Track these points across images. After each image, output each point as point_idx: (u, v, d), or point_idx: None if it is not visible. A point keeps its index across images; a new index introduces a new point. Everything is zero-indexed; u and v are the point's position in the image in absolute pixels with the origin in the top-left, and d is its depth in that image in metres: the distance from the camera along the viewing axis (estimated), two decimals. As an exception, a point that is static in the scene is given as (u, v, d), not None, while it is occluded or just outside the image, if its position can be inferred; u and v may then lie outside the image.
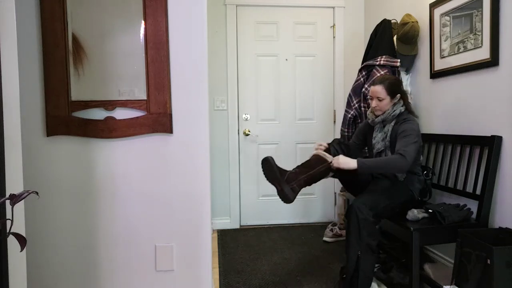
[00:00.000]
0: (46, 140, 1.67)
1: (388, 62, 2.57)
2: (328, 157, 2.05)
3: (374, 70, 2.60)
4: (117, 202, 1.72)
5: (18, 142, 1.15)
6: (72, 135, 1.66)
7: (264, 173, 1.94)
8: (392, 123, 2.11)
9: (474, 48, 2.09)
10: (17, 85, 1.14)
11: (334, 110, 3.54)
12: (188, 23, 1.70)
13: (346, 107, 2.80)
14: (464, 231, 1.75)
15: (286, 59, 3.47)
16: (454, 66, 2.25)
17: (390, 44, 2.66)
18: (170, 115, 1.70)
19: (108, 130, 1.67)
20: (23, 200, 0.86)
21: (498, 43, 1.92)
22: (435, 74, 2.44)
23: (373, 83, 2.15)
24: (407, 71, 2.75)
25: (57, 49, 1.62)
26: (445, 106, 2.36)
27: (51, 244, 1.69)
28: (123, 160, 1.71)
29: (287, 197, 1.87)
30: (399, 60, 2.58)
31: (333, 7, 3.47)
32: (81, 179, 1.70)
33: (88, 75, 1.66)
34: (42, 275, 1.69)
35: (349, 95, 2.79)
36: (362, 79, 2.72)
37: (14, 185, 1.12)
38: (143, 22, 1.67)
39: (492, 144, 1.92)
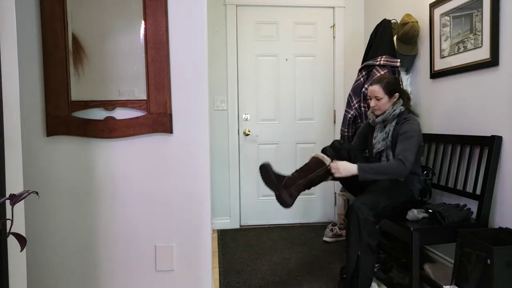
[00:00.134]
0: (46, 140, 1.67)
1: (388, 62, 2.57)
2: (327, 160, 2.05)
3: (374, 70, 2.60)
4: (117, 202, 1.72)
5: (18, 142, 1.15)
6: (72, 135, 1.66)
7: (262, 179, 1.95)
8: (393, 123, 2.11)
9: (474, 48, 2.09)
10: (17, 85, 1.14)
11: (334, 110, 3.54)
12: (188, 23, 1.70)
13: (346, 107, 2.80)
14: (464, 231, 1.75)
15: (286, 59, 3.47)
16: (454, 66, 2.25)
17: (390, 44, 2.66)
18: (170, 115, 1.70)
19: (108, 130, 1.67)
20: (23, 200, 0.86)
21: (498, 43, 1.92)
22: (435, 74, 2.44)
23: (371, 83, 2.16)
24: (407, 71, 2.75)
25: (57, 49, 1.62)
26: (445, 106, 2.36)
27: (51, 244, 1.69)
28: (123, 160, 1.71)
29: (285, 203, 1.89)
30: (399, 60, 2.58)
31: (333, 7, 3.47)
32: (81, 179, 1.70)
33: (88, 75, 1.66)
34: (42, 275, 1.69)
35: (349, 95, 2.79)
36: (362, 79, 2.72)
37: (14, 185, 1.12)
38: (143, 22, 1.67)
39: (492, 144, 1.92)
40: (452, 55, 2.28)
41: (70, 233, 1.70)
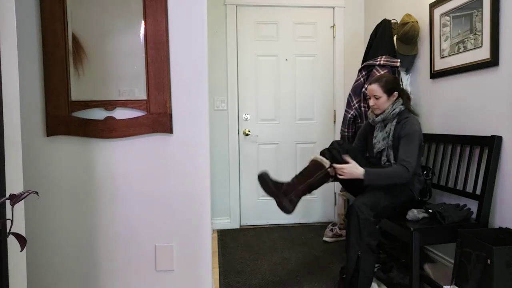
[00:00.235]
0: (46, 140, 1.67)
1: (388, 62, 2.57)
2: (326, 162, 2.05)
3: (374, 70, 2.60)
4: (117, 202, 1.72)
5: (18, 142, 1.15)
6: (72, 135, 1.66)
7: (261, 188, 1.98)
8: (394, 122, 2.11)
9: (474, 48, 2.09)
10: (17, 85, 1.14)
11: (334, 110, 3.54)
12: (188, 23, 1.70)
13: (346, 107, 2.80)
14: (464, 231, 1.75)
15: (286, 59, 3.47)
16: (454, 66, 2.25)
17: (390, 44, 2.66)
18: (170, 115, 1.70)
19: (108, 130, 1.67)
20: (23, 200, 0.86)
21: (498, 43, 1.92)
22: (435, 74, 2.44)
23: (370, 82, 2.18)
24: (407, 71, 2.75)
25: (57, 49, 1.62)
26: (445, 106, 2.36)
27: (51, 244, 1.69)
28: (123, 160, 1.71)
29: (285, 209, 1.92)
30: (399, 60, 2.58)
31: (333, 7, 3.47)
32: (81, 179, 1.70)
33: (88, 75, 1.66)
34: (42, 275, 1.69)
35: (349, 95, 2.79)
36: (362, 79, 2.72)
37: (14, 185, 1.12)
38: (143, 22, 1.67)
39: (492, 144, 1.92)
40: (452, 55, 2.28)
41: (70, 233, 1.70)
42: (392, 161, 2.11)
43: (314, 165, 2.07)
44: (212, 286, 1.84)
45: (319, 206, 3.56)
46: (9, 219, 0.86)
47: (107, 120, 1.67)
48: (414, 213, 1.97)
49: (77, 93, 1.66)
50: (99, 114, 1.68)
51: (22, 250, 0.80)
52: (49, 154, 1.67)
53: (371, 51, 2.73)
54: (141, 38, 1.67)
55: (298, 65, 3.48)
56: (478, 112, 2.07)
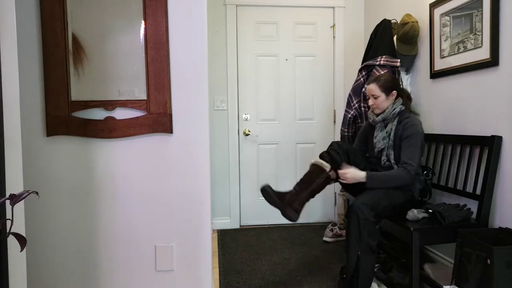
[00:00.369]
0: (46, 140, 1.67)
1: (388, 62, 2.57)
2: (326, 166, 2.06)
3: (374, 70, 2.60)
4: (117, 202, 1.72)
5: (18, 142, 1.15)
6: (72, 135, 1.66)
7: (265, 200, 2.01)
8: (395, 122, 2.12)
9: (474, 48, 2.09)
10: (17, 85, 1.14)
11: (334, 110, 3.54)
12: (188, 23, 1.70)
13: (346, 107, 2.80)
14: (464, 231, 1.75)
15: (286, 59, 3.47)
16: (454, 66, 2.25)
17: (390, 44, 2.66)
18: (170, 115, 1.70)
19: (108, 130, 1.67)
20: (23, 200, 0.86)
21: (498, 43, 1.92)
22: (435, 74, 2.44)
23: (368, 82, 2.19)
24: (407, 71, 2.75)
25: (57, 49, 1.62)
26: (445, 106, 2.36)
27: (51, 244, 1.69)
28: (123, 160, 1.71)
29: (290, 219, 1.97)
30: (399, 60, 2.58)
31: (333, 7, 3.47)
32: (81, 179, 1.70)
33: (88, 75, 1.66)
34: (42, 275, 1.69)
35: (349, 95, 2.79)
36: (362, 79, 2.72)
37: (14, 185, 1.12)
38: (143, 22, 1.67)
39: (492, 144, 1.92)
40: (452, 55, 2.28)
41: (70, 233, 1.70)
42: (392, 161, 2.11)
43: (315, 170, 2.08)
44: (212, 286, 1.84)
45: (319, 206, 3.56)
46: (9, 219, 0.86)
47: (107, 120, 1.67)
48: (414, 213, 1.97)
49: (77, 93, 1.66)
50: (99, 114, 1.68)
51: (22, 250, 0.80)
52: (49, 154, 1.67)
53: (371, 51, 2.73)
54: (141, 38, 1.67)
55: (298, 65, 3.48)
56: (478, 112, 2.07)
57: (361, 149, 2.35)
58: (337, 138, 3.41)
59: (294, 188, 2.05)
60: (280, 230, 3.33)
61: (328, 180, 2.09)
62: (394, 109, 2.11)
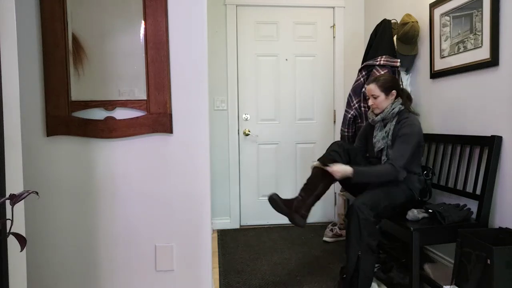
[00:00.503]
0: (46, 140, 1.67)
1: (388, 62, 2.57)
2: (328, 168, 2.08)
3: (374, 70, 2.60)
4: (117, 202, 1.72)
5: (18, 142, 1.15)
6: (72, 135, 1.66)
7: (273, 209, 2.02)
8: (394, 122, 2.12)
9: (474, 48, 2.09)
10: (17, 85, 1.14)
11: (334, 110, 3.54)
12: (188, 23, 1.70)
13: (346, 107, 2.80)
14: (464, 231, 1.75)
15: (286, 59, 3.47)
16: (454, 66, 2.25)
17: (390, 44, 2.66)
18: (170, 115, 1.70)
19: (108, 130, 1.67)
20: (23, 200, 0.86)
21: (498, 43, 1.92)
22: (435, 74, 2.44)
23: (368, 82, 2.20)
24: (407, 71, 2.75)
25: (57, 49, 1.62)
26: (445, 106, 2.36)
27: (51, 244, 1.69)
28: (123, 160, 1.71)
29: (298, 225, 1.99)
30: (399, 60, 2.58)
31: (333, 7, 3.47)
32: (81, 179, 1.70)
33: (88, 75, 1.66)
34: (42, 275, 1.69)
35: (349, 95, 2.79)
36: (362, 79, 2.72)
37: (14, 185, 1.12)
38: (143, 22, 1.67)
39: (492, 144, 1.92)
40: (452, 55, 2.28)
41: (70, 233, 1.70)
42: None
43: (317, 173, 2.09)
44: (212, 286, 1.84)
45: (319, 206, 3.52)
46: (9, 219, 0.86)
47: (107, 120, 1.67)
48: (414, 213, 1.97)
49: (77, 93, 1.66)
50: (99, 114, 1.68)
51: (22, 250, 0.80)
52: (49, 154, 1.67)
53: (371, 51, 2.73)
54: (141, 38, 1.67)
55: (298, 65, 3.48)
56: (478, 112, 2.07)
57: (361, 149, 2.35)
58: (337, 138, 3.41)
59: (300, 194, 2.07)
60: (280, 230, 3.33)
61: (331, 182, 2.10)
62: (393, 108, 2.11)
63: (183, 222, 1.75)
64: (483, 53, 2.01)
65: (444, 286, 1.82)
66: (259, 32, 3.43)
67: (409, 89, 2.69)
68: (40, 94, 1.64)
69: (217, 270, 2.45)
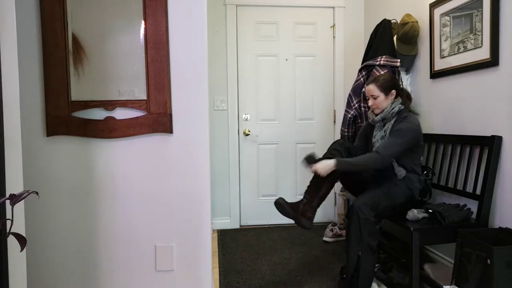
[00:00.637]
0: (46, 140, 1.67)
1: (388, 62, 2.57)
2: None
3: (374, 70, 2.60)
4: (117, 202, 1.72)
5: (18, 142, 1.15)
6: (72, 135, 1.66)
7: (280, 213, 2.04)
8: (392, 121, 2.12)
9: (474, 48, 2.09)
10: (17, 85, 1.14)
11: (334, 110, 3.54)
12: (188, 23, 1.70)
13: (346, 107, 2.80)
14: (464, 231, 1.75)
15: (286, 59, 3.47)
16: (454, 66, 2.25)
17: (390, 44, 2.66)
18: (170, 115, 1.70)
19: (108, 130, 1.67)
20: (23, 200, 0.86)
21: (498, 43, 1.92)
22: (435, 74, 2.44)
23: (367, 83, 2.20)
24: (407, 71, 2.75)
25: (57, 49, 1.62)
26: (445, 106, 2.36)
27: (51, 244, 1.69)
28: (123, 160, 1.71)
29: (305, 227, 2.01)
30: (399, 60, 2.58)
31: (333, 7, 3.47)
32: (81, 179, 1.70)
33: (88, 75, 1.66)
34: (42, 275, 1.69)
35: (349, 95, 2.79)
36: (362, 79, 2.72)
37: (14, 185, 1.12)
38: (143, 22, 1.67)
39: (492, 144, 1.92)
40: (452, 55, 2.28)
41: (70, 233, 1.70)
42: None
43: (318, 175, 2.09)
44: (212, 286, 1.84)
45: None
46: (9, 219, 0.86)
47: (107, 120, 1.67)
48: (414, 213, 1.97)
49: (77, 93, 1.66)
50: (99, 114, 1.68)
51: (22, 250, 0.80)
52: (49, 154, 1.67)
53: (371, 51, 2.73)
54: (141, 38, 1.67)
55: (298, 65, 3.48)
56: (478, 112, 2.07)
57: (361, 148, 2.35)
58: (337, 138, 3.40)
59: (305, 197, 2.08)
60: (280, 230, 3.33)
61: (334, 182, 2.12)
62: (393, 108, 2.11)
63: (183, 222, 1.75)
64: (483, 53, 2.01)
65: (444, 286, 1.82)
66: (259, 32, 3.43)
67: (409, 89, 2.69)
68: (40, 94, 1.64)
69: (217, 270, 2.45)
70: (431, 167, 2.34)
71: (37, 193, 0.87)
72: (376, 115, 2.18)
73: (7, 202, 0.86)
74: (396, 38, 2.69)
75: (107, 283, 1.73)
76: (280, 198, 2.04)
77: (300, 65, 3.49)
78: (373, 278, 1.99)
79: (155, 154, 1.72)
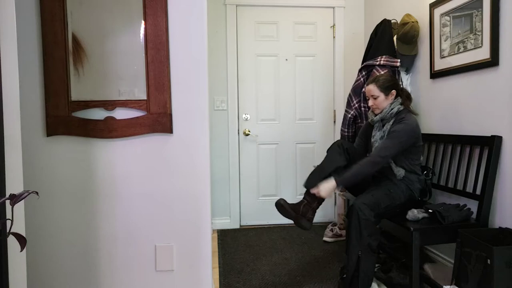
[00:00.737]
0: (46, 140, 1.67)
1: (388, 62, 2.57)
2: None
3: (374, 70, 2.60)
4: (117, 202, 1.72)
5: (18, 142, 1.15)
6: (72, 135, 1.66)
7: (280, 214, 2.04)
8: (391, 122, 2.12)
9: (474, 48, 2.09)
10: (17, 85, 1.14)
11: (334, 110, 3.54)
12: (188, 23, 1.70)
13: (346, 107, 2.80)
14: (464, 231, 1.75)
15: (286, 59, 3.47)
16: (454, 66, 2.25)
17: (390, 44, 2.66)
18: (170, 115, 1.70)
19: (108, 130, 1.67)
20: (23, 200, 0.86)
21: (498, 43, 1.92)
22: (435, 74, 2.44)
23: (367, 83, 2.20)
24: (407, 71, 2.75)
25: (57, 49, 1.62)
26: (445, 106, 2.36)
27: (51, 244, 1.69)
28: (123, 160, 1.71)
29: (304, 228, 2.02)
30: (399, 60, 2.58)
31: (333, 7, 3.47)
32: (81, 179, 1.70)
33: (88, 75, 1.66)
34: (42, 275, 1.69)
35: (349, 95, 2.79)
36: (362, 79, 2.72)
37: (14, 185, 1.12)
38: (143, 22, 1.67)
39: (492, 144, 1.92)
40: (452, 55, 2.28)
41: (70, 233, 1.70)
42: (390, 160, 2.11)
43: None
44: (212, 286, 1.84)
45: (319, 206, 3.55)
46: (9, 219, 0.86)
47: (107, 120, 1.67)
48: (414, 213, 1.97)
49: (77, 93, 1.66)
50: (99, 114, 1.68)
51: (22, 250, 0.80)
52: (49, 154, 1.67)
53: (371, 51, 2.73)
54: (141, 38, 1.67)
55: (298, 65, 3.48)
56: (478, 112, 2.07)
57: (361, 149, 2.35)
58: (337, 138, 3.41)
59: (305, 198, 2.08)
60: (280, 230, 3.33)
61: None
62: (392, 109, 2.11)
63: (183, 222, 1.75)
64: (483, 53, 2.01)
65: (444, 286, 1.82)
66: (259, 32, 3.43)
67: (409, 89, 2.69)
68: (40, 94, 1.64)
69: (217, 270, 2.45)
70: (431, 167, 2.34)
71: (37, 193, 0.87)
72: (376, 115, 2.18)
73: (7, 202, 0.86)
74: (396, 38, 2.69)
75: (107, 283, 1.73)
76: (281, 199, 2.04)
77: (300, 65, 3.49)
78: (373, 278, 1.99)
79: (155, 154, 1.72)
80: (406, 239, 1.89)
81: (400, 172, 2.07)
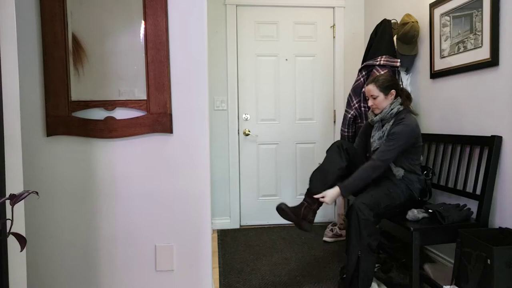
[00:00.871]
0: (46, 140, 1.67)
1: (388, 62, 2.57)
2: None
3: (374, 70, 2.60)
4: (117, 202, 1.72)
5: (18, 142, 1.15)
6: (72, 135, 1.66)
7: (282, 217, 2.05)
8: (391, 122, 2.12)
9: (474, 48, 2.09)
10: (17, 85, 1.14)
11: (334, 110, 3.54)
12: (188, 23, 1.70)
13: (346, 107, 2.80)
14: (464, 231, 1.75)
15: (286, 59, 3.47)
16: (454, 66, 2.25)
17: (390, 44, 2.66)
18: (170, 115, 1.70)
19: (108, 130, 1.67)
20: (23, 200, 0.86)
21: (498, 43, 1.92)
22: (435, 74, 2.44)
23: (367, 83, 2.20)
24: (407, 71, 2.75)
25: (57, 49, 1.62)
26: (445, 106, 2.36)
27: (51, 244, 1.69)
28: (123, 160, 1.71)
29: (305, 230, 2.04)
30: (399, 60, 2.58)
31: (333, 7, 3.47)
32: (81, 179, 1.70)
33: (88, 75, 1.66)
34: (42, 275, 1.69)
35: (349, 95, 2.79)
36: (362, 79, 2.72)
37: (14, 185, 1.12)
38: (143, 22, 1.67)
39: (492, 144, 1.92)
40: (452, 55, 2.28)
41: (70, 233, 1.70)
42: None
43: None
44: (212, 286, 1.84)
45: (319, 206, 3.55)
46: (9, 219, 0.86)
47: (107, 120, 1.67)
48: (414, 213, 1.97)
49: (77, 93, 1.66)
50: (99, 114, 1.68)
51: (22, 250, 0.80)
52: (49, 154, 1.67)
53: (371, 51, 2.73)
54: (141, 38, 1.67)
55: (298, 65, 3.48)
56: (478, 112, 2.07)
57: (361, 149, 2.35)
58: (337, 138, 3.41)
59: (305, 200, 2.08)
60: (280, 230, 3.33)
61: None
62: (392, 109, 2.11)
63: (183, 222, 1.75)
64: (483, 53, 2.01)
65: (444, 286, 1.82)
66: (259, 32, 3.43)
67: (409, 89, 2.69)
68: (40, 94, 1.64)
69: (217, 270, 2.45)
70: (431, 167, 2.34)
71: (37, 193, 0.87)
72: (376, 115, 2.18)
73: (7, 202, 0.86)
74: (396, 38, 2.69)
75: (107, 283, 1.73)
76: (282, 203, 2.05)
77: (300, 65, 3.49)
78: (373, 278, 1.99)
79: (155, 154, 1.72)
80: (406, 239, 1.89)
81: (399, 172, 2.07)
